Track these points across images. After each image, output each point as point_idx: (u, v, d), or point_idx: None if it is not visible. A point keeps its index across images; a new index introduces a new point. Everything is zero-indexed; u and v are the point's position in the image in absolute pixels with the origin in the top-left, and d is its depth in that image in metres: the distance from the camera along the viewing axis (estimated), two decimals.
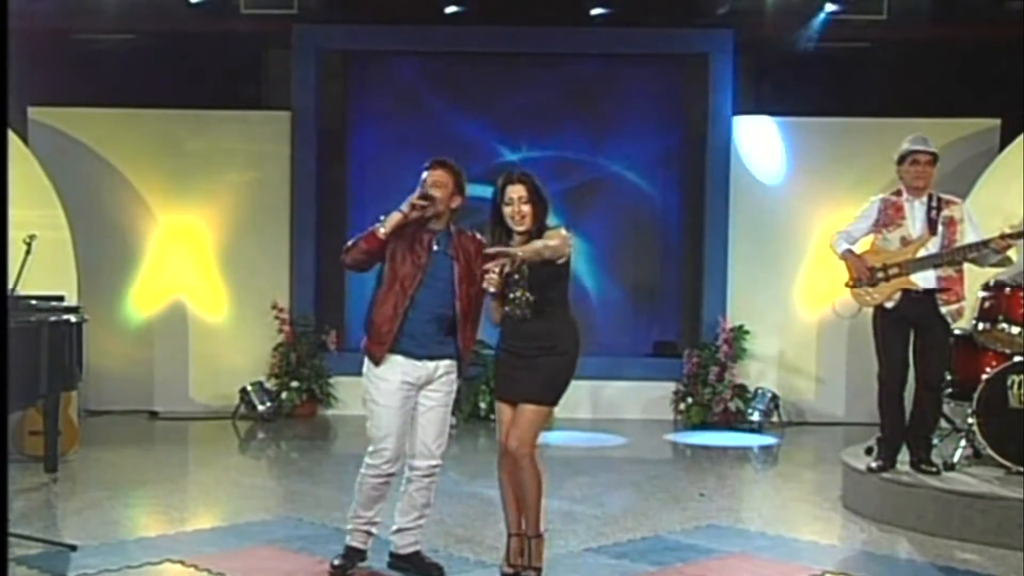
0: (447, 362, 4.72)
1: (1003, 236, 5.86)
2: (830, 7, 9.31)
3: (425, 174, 4.70)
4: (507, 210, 4.59)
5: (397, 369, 4.63)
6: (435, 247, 4.67)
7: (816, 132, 9.93)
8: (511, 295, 4.60)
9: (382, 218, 4.64)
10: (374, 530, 4.86)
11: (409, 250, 4.63)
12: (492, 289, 4.49)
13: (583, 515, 6.09)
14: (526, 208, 4.57)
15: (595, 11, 9.55)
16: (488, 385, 9.41)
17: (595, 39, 9.91)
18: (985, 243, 5.87)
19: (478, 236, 4.78)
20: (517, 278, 4.57)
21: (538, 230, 4.60)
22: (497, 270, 4.43)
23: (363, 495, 4.75)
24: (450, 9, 9.55)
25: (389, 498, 4.85)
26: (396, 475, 4.73)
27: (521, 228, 4.59)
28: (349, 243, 4.70)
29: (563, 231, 4.62)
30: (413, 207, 4.58)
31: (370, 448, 4.70)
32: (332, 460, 7.93)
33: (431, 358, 4.67)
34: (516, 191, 4.59)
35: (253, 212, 10.02)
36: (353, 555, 4.85)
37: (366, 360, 4.72)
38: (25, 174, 8.38)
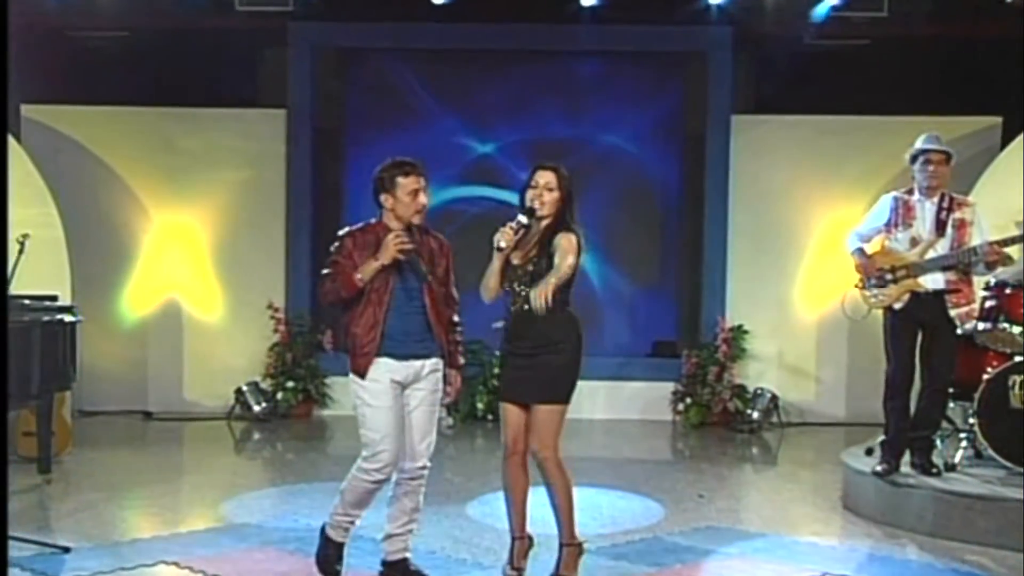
0: (433, 360, 4.72)
1: (993, 244, 5.84)
2: (830, 4, 9.29)
3: (404, 180, 4.65)
4: (530, 193, 4.67)
5: (384, 369, 4.62)
6: None
7: (816, 130, 9.92)
8: (516, 287, 4.65)
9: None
10: (358, 522, 4.85)
11: (376, 257, 4.64)
12: (503, 244, 4.55)
13: (580, 517, 6.03)
14: (548, 195, 4.65)
15: (589, 2, 9.47)
16: (486, 385, 9.41)
17: (593, 36, 9.89)
18: (974, 250, 5.85)
19: (440, 235, 4.85)
20: (521, 274, 4.62)
21: (559, 224, 4.65)
22: (511, 228, 4.54)
23: (354, 495, 4.71)
24: (441, 0, 9.49)
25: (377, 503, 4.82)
26: (390, 480, 4.69)
27: (541, 213, 4.65)
28: (326, 281, 4.70)
29: (572, 238, 4.66)
30: (398, 255, 4.59)
31: (365, 452, 4.64)
32: (328, 461, 7.91)
33: (416, 357, 4.67)
34: (544, 176, 4.69)
35: (249, 211, 10.01)
36: (335, 549, 4.83)
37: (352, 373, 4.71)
38: (18, 172, 8.36)
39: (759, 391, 9.74)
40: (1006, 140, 9.15)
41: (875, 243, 6.20)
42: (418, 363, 4.67)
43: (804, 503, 6.77)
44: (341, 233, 4.78)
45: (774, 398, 9.71)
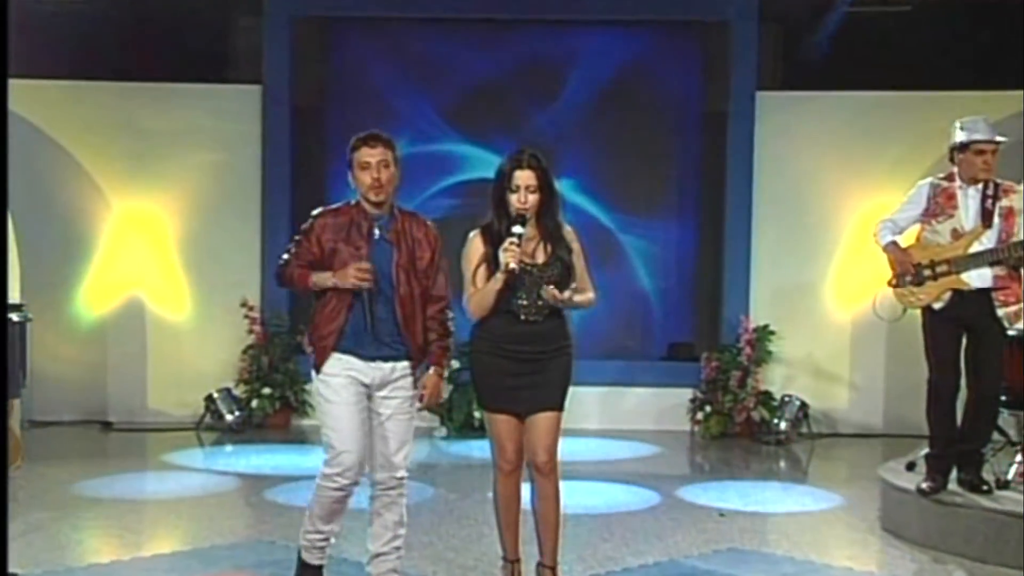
0: (404, 363, 4.70)
1: None
2: None
3: (355, 154, 4.61)
4: (512, 197, 4.62)
5: (345, 364, 4.64)
6: (376, 234, 4.65)
7: (851, 108, 9.90)
8: (524, 295, 4.62)
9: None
10: (333, 540, 4.84)
11: (346, 241, 4.63)
12: (513, 265, 4.49)
13: (588, 537, 6.07)
14: (533, 197, 4.61)
15: None
16: None
17: (603, 3, 9.88)
18: None
19: (428, 223, 4.80)
20: (538, 277, 4.61)
21: (549, 226, 4.66)
22: (514, 245, 4.48)
23: (321, 508, 4.71)
24: None
25: (350, 512, 4.80)
26: (357, 485, 4.68)
27: (529, 216, 4.62)
28: (286, 265, 4.76)
29: (574, 233, 4.76)
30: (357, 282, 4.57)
31: (326, 456, 4.66)
32: (308, 476, 7.88)
33: (384, 359, 4.65)
34: (524, 177, 4.62)
35: (220, 198, 9.99)
36: (313, 574, 4.82)
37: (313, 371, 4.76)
38: None
39: (787, 398, 9.73)
40: None
41: (908, 236, 6.15)
42: (387, 365, 4.66)
43: (838, 523, 6.76)
44: (314, 212, 4.79)
45: (803, 406, 9.69)
